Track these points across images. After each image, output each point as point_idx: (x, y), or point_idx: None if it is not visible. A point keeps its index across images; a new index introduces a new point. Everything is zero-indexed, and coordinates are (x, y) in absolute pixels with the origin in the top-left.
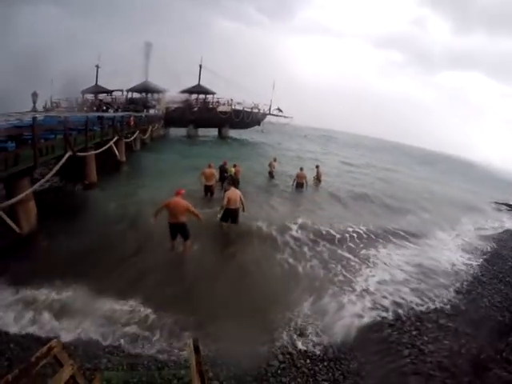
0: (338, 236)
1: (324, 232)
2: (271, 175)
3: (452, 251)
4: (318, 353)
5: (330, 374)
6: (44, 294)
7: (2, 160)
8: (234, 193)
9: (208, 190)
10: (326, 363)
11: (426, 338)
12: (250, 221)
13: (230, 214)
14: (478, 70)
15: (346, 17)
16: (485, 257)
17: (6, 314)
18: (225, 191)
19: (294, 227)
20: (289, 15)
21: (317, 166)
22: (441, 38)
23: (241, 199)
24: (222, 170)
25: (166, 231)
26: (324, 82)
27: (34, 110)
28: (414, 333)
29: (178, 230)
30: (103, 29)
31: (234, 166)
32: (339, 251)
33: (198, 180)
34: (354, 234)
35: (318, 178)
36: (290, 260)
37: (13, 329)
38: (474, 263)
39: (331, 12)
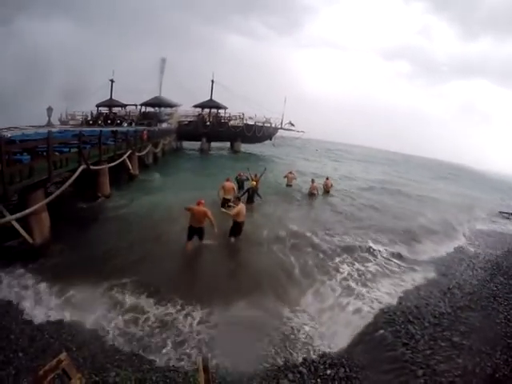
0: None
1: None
2: (288, 186)
3: (465, 266)
4: (328, 372)
5: None
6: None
7: (16, 172)
8: (242, 208)
9: (226, 202)
10: (336, 383)
11: (439, 358)
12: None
13: (237, 227)
14: (487, 78)
15: (354, 31)
16: (500, 271)
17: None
18: (235, 205)
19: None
20: (296, 30)
21: (326, 178)
22: (447, 45)
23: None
24: (238, 181)
25: (177, 242)
26: (334, 96)
27: (50, 124)
28: (428, 352)
29: (196, 232)
30: (116, 43)
31: (255, 175)
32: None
33: (218, 193)
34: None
35: (326, 190)
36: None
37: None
38: (489, 278)
39: (339, 27)
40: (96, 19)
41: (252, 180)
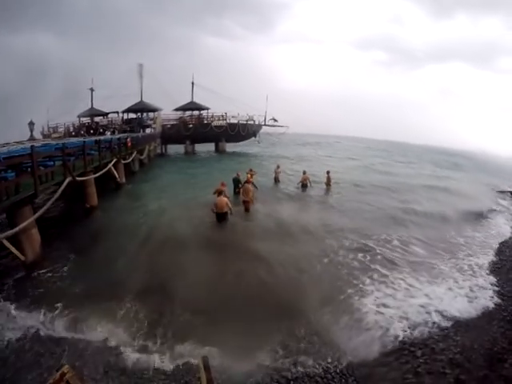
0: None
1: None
2: (276, 180)
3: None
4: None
5: None
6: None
7: (2, 189)
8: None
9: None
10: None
11: (436, 337)
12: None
13: (220, 216)
14: (463, 60)
15: (327, 24)
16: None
17: None
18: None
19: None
20: (270, 28)
21: (327, 172)
22: (421, 29)
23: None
24: (236, 181)
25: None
26: (316, 89)
27: (32, 138)
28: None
29: (221, 216)
30: (95, 52)
31: (250, 170)
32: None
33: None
34: None
35: (328, 183)
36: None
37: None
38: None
39: (312, 21)
40: (76, 29)
41: (247, 173)
